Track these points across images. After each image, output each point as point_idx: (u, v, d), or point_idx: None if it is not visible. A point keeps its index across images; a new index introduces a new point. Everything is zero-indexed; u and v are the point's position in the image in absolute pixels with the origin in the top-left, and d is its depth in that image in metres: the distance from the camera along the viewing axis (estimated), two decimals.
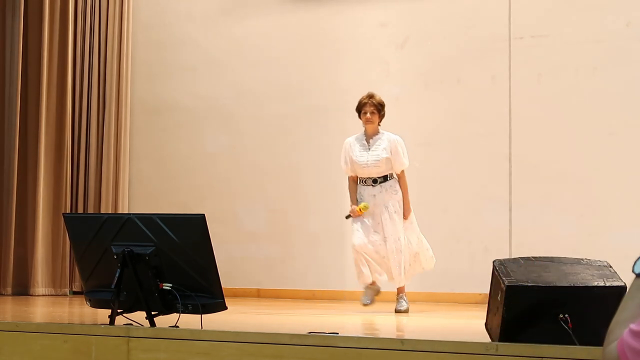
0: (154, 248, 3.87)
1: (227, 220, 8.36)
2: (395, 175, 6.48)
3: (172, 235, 3.85)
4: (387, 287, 7.58)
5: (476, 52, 7.71)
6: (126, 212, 8.60)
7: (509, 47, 7.59)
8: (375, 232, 6.31)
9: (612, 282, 3.51)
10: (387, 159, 6.38)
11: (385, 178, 6.41)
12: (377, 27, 8.10)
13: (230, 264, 8.01)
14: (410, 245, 6.42)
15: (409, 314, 6.56)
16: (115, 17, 8.85)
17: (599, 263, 3.65)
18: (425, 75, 7.89)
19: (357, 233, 6.31)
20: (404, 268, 6.32)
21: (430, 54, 7.88)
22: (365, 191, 6.40)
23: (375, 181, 6.40)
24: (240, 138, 8.54)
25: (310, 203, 7.99)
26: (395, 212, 6.33)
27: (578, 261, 3.65)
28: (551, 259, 3.65)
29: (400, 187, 6.43)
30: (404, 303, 6.38)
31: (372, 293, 6.42)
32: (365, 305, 6.33)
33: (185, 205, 8.43)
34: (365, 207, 6.32)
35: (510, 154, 7.53)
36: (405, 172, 6.50)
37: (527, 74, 7.52)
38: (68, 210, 8.35)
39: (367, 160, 6.39)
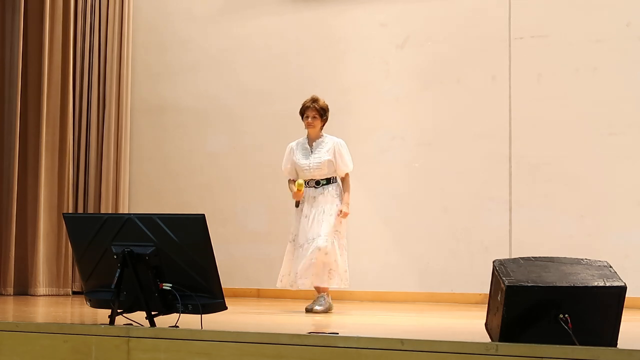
0: (154, 248, 3.87)
1: (227, 220, 8.37)
2: (339, 180, 6.45)
3: (172, 235, 3.85)
4: (380, 286, 7.59)
5: (476, 52, 7.72)
6: (126, 212, 8.60)
7: (509, 47, 7.59)
8: (309, 235, 6.26)
9: (612, 282, 3.51)
10: (329, 161, 6.37)
11: (328, 181, 6.40)
12: (377, 27, 8.11)
13: (230, 264, 8.02)
14: (344, 252, 6.31)
15: (409, 314, 6.56)
16: (115, 17, 8.85)
17: (599, 263, 3.65)
18: (425, 75, 7.89)
19: (289, 246, 6.37)
20: (324, 271, 6.22)
21: (430, 54, 7.88)
22: (307, 193, 6.39)
23: (317, 183, 6.40)
24: (240, 138, 8.54)
25: None
26: (330, 215, 6.26)
27: (578, 261, 3.65)
28: (551, 259, 3.65)
29: (343, 189, 6.40)
30: (323, 302, 6.26)
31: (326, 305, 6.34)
32: (306, 310, 6.28)
33: (185, 205, 8.44)
34: (300, 185, 6.32)
35: (510, 154, 7.53)
36: (350, 175, 6.43)
37: (527, 74, 7.52)
38: (68, 210, 8.35)
39: (310, 163, 6.39)
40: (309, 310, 6.24)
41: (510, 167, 7.53)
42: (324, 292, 6.32)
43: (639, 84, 7.19)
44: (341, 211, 6.28)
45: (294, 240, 6.40)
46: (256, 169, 8.41)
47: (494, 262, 3.62)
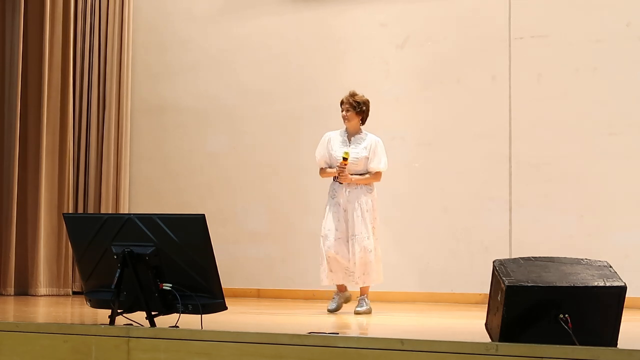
0: (154, 248, 3.87)
1: (227, 220, 8.37)
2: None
3: (172, 235, 3.85)
4: (380, 286, 7.58)
5: (476, 52, 7.72)
6: (126, 212, 8.60)
7: (509, 47, 7.59)
8: (343, 230, 6.26)
9: (612, 282, 3.51)
10: (367, 158, 6.37)
11: (361, 176, 6.38)
12: (377, 27, 8.11)
13: (230, 264, 8.02)
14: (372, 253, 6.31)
15: (409, 314, 6.56)
16: (115, 17, 8.85)
17: (599, 263, 3.65)
18: (425, 75, 7.89)
19: (329, 235, 6.29)
20: (371, 269, 6.24)
21: (430, 54, 7.88)
22: (339, 187, 6.35)
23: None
24: (240, 138, 8.54)
25: (311, 203, 7.98)
26: (367, 210, 6.28)
27: (578, 261, 3.65)
28: (551, 259, 3.65)
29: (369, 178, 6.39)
30: (364, 304, 6.28)
31: (341, 300, 6.38)
32: (329, 311, 6.28)
33: (185, 205, 8.44)
34: (347, 154, 6.28)
35: (510, 154, 7.53)
36: (381, 175, 6.42)
37: (527, 74, 7.52)
38: (68, 211, 8.35)
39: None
40: (357, 313, 6.24)
41: (510, 167, 7.53)
42: (366, 293, 6.35)
43: (639, 84, 7.19)
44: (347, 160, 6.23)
45: (327, 235, 6.29)
46: (256, 169, 8.41)
47: (494, 262, 3.62)
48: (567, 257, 3.70)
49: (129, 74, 8.88)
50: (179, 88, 8.84)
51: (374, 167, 6.37)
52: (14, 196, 8.09)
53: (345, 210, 6.30)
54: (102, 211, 8.60)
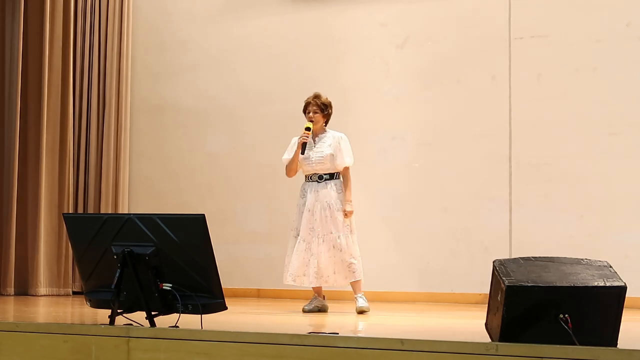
0: (154, 248, 3.87)
1: (227, 220, 8.37)
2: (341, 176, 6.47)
3: (172, 235, 3.85)
4: (380, 286, 7.58)
5: (476, 52, 7.72)
6: (126, 212, 8.60)
7: (509, 47, 7.59)
8: (310, 232, 6.27)
9: (612, 282, 3.51)
10: (331, 155, 6.40)
11: (331, 176, 6.41)
12: (377, 27, 8.10)
13: (230, 264, 8.02)
14: (348, 249, 6.31)
15: (409, 314, 6.56)
16: (115, 17, 8.85)
17: (599, 263, 3.65)
18: (425, 75, 7.89)
19: (292, 242, 6.34)
20: (344, 267, 6.25)
21: (430, 54, 7.88)
22: (310, 187, 6.40)
23: (320, 177, 6.41)
24: (240, 138, 8.54)
25: None
26: (337, 210, 6.30)
27: (578, 261, 3.65)
28: (551, 259, 3.65)
29: (343, 185, 6.41)
30: (361, 302, 6.26)
31: (318, 304, 6.35)
32: (304, 311, 6.26)
33: (185, 205, 8.44)
34: (308, 127, 6.36)
35: (510, 154, 7.53)
36: (349, 170, 6.43)
37: (527, 74, 7.52)
38: (68, 210, 8.35)
39: (312, 157, 6.41)
40: (360, 312, 6.22)
41: (510, 167, 7.53)
42: (359, 291, 6.33)
43: (639, 84, 7.19)
44: (345, 211, 6.30)
45: (297, 236, 6.36)
46: (256, 169, 8.41)
47: (494, 262, 3.62)
48: (567, 257, 3.69)
49: (129, 74, 8.88)
50: (179, 88, 8.84)
51: (339, 163, 6.40)
52: (14, 196, 8.09)
53: (310, 211, 6.31)
54: (102, 211, 8.60)
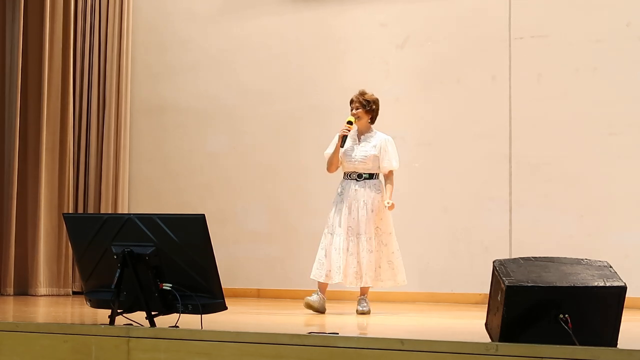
0: (154, 248, 3.87)
1: (227, 220, 8.37)
2: (381, 177, 6.42)
3: (172, 235, 3.85)
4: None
5: (476, 52, 7.72)
6: (126, 212, 8.60)
7: (509, 47, 7.59)
8: (349, 230, 6.22)
9: (612, 282, 3.51)
10: (375, 156, 6.33)
11: (370, 176, 6.35)
12: (377, 27, 8.11)
13: (230, 264, 8.02)
14: (386, 249, 6.27)
15: (409, 314, 6.56)
16: (115, 17, 8.85)
17: (599, 263, 3.65)
18: (425, 75, 7.89)
19: (331, 231, 6.24)
20: (373, 270, 6.18)
21: (430, 54, 7.88)
22: (347, 184, 6.33)
23: (360, 176, 6.33)
24: (241, 138, 8.54)
25: (311, 203, 7.99)
26: (372, 210, 6.24)
27: (578, 261, 3.65)
28: (551, 259, 3.65)
29: (386, 187, 6.35)
30: (365, 305, 6.24)
31: (322, 301, 6.23)
32: (307, 303, 6.14)
33: (185, 205, 8.44)
34: (350, 121, 6.30)
35: (510, 154, 7.53)
36: (394, 173, 6.40)
37: (527, 74, 7.52)
38: (68, 210, 8.35)
39: (355, 155, 6.34)
40: (361, 314, 6.20)
41: (510, 167, 7.53)
42: (366, 293, 6.30)
43: (639, 84, 7.19)
44: (389, 204, 6.20)
45: (333, 233, 6.26)
46: (256, 169, 8.41)
47: (494, 262, 3.62)
48: (567, 257, 3.69)
49: (129, 74, 8.88)
50: (179, 88, 8.84)
51: (385, 166, 6.34)
52: (14, 196, 8.09)
53: (349, 208, 6.26)
54: (102, 211, 8.60)
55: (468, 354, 3.02)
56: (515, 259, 3.63)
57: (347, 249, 6.21)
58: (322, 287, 6.32)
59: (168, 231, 3.86)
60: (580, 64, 7.37)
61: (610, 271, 3.59)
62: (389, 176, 6.39)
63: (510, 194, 7.50)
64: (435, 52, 7.86)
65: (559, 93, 7.42)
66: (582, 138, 7.32)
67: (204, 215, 3.81)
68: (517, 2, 7.60)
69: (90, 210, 8.67)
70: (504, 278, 3.47)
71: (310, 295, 6.23)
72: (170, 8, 8.97)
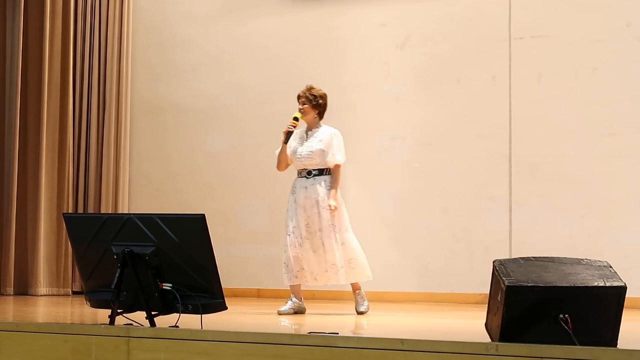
0: (154, 248, 3.87)
1: (227, 220, 8.37)
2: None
3: (172, 235, 3.85)
4: (380, 286, 7.58)
5: (476, 52, 7.72)
6: (126, 212, 8.60)
7: (509, 47, 7.59)
8: (307, 228, 6.17)
9: (612, 282, 3.51)
10: (322, 151, 6.22)
11: (320, 172, 6.24)
12: (377, 27, 8.10)
13: (230, 264, 8.02)
14: (344, 248, 6.19)
15: (409, 314, 6.56)
16: (115, 17, 8.85)
17: (599, 263, 3.65)
18: (425, 75, 7.89)
19: (289, 239, 6.20)
20: (340, 266, 6.12)
21: (430, 54, 7.88)
22: (299, 183, 6.27)
23: (309, 173, 6.25)
24: (241, 138, 8.54)
25: None
26: (324, 207, 6.13)
27: (578, 261, 3.65)
28: (551, 259, 3.65)
29: (332, 183, 6.21)
30: (363, 304, 6.22)
31: (295, 306, 6.20)
32: (279, 313, 6.11)
33: (185, 205, 8.44)
34: (296, 117, 6.25)
35: (510, 154, 7.53)
36: (340, 168, 6.26)
37: (527, 74, 7.52)
38: (68, 210, 8.35)
39: (302, 152, 6.28)
40: (360, 313, 6.17)
41: (510, 167, 7.53)
42: (357, 289, 6.25)
43: (639, 84, 7.19)
44: (329, 206, 6.11)
45: (293, 233, 6.22)
46: (256, 169, 8.41)
47: (494, 262, 3.62)
48: (567, 257, 3.70)
49: (129, 74, 8.88)
50: (179, 88, 8.84)
51: (329, 160, 6.22)
52: (14, 196, 8.10)
53: (303, 207, 6.20)
54: (102, 211, 8.60)
55: (468, 354, 3.02)
56: (515, 259, 3.63)
57: (311, 248, 6.15)
58: (296, 289, 6.24)
59: (168, 231, 3.86)
60: (580, 64, 7.37)
61: (610, 271, 3.59)
62: (334, 171, 6.25)
63: (510, 193, 7.50)
64: (435, 52, 7.86)
65: (559, 93, 7.42)
66: (582, 138, 7.32)
67: (203, 215, 3.81)
68: (517, 2, 7.59)
69: (90, 210, 8.67)
70: (504, 278, 3.47)
71: (282, 305, 6.19)
72: (171, 8, 8.97)
